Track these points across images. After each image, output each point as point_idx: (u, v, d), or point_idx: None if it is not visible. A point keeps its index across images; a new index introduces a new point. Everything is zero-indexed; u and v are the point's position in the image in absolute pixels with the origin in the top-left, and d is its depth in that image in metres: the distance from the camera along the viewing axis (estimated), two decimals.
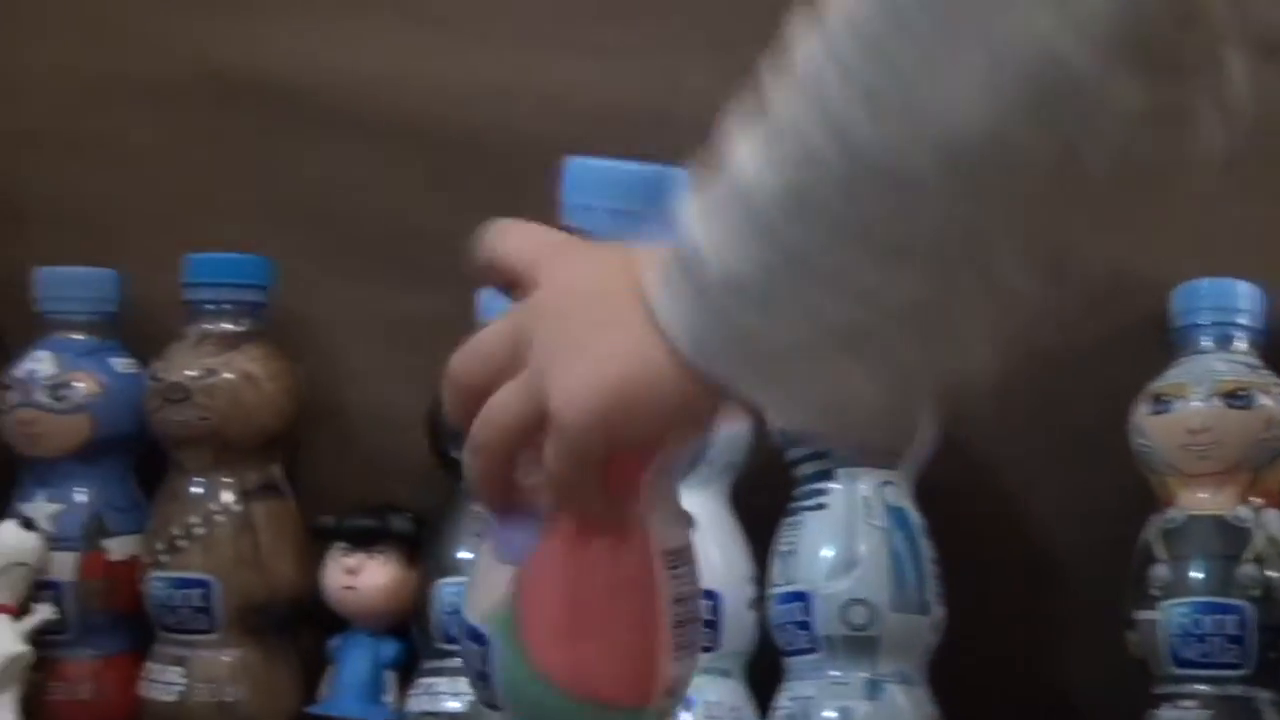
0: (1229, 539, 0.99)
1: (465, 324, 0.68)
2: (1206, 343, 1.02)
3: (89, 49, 1.22)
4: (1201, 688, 0.98)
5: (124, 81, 1.21)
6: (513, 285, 0.69)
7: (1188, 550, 0.99)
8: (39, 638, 1.08)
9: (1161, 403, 1.01)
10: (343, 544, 1.10)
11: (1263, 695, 0.98)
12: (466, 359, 0.67)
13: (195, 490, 1.10)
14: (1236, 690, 0.97)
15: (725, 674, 1.02)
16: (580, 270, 0.68)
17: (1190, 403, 1.00)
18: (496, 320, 0.68)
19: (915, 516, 1.01)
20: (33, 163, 1.22)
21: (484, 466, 0.67)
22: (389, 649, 1.09)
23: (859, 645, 0.99)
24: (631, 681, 0.73)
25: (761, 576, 1.03)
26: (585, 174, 0.81)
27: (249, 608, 1.09)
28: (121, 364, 1.14)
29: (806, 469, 1.03)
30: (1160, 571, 0.99)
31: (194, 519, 1.09)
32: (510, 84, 1.14)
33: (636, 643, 0.72)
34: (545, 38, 1.15)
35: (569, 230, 0.75)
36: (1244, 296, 1.03)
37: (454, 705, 1.04)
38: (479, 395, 0.67)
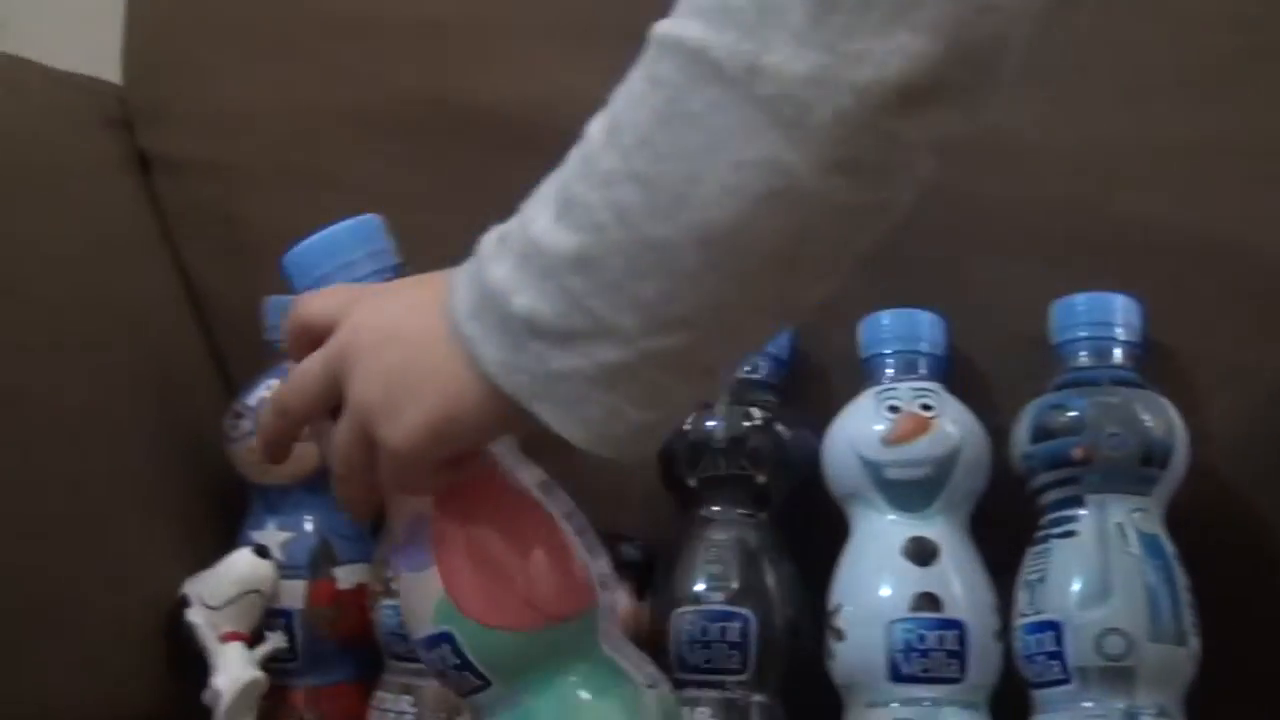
0: None
1: None
2: None
3: (309, 83, 1.24)
4: None
5: (345, 113, 1.22)
6: (321, 341, 0.81)
7: None
8: (269, 665, 1.08)
9: None
10: None
11: None
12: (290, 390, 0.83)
13: None
14: None
15: (973, 707, 0.99)
16: (385, 307, 0.80)
17: None
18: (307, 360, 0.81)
19: (1168, 544, 0.98)
20: (257, 195, 1.23)
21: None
22: None
23: (1115, 676, 0.96)
24: (570, 590, 0.81)
25: (1004, 607, 1.01)
26: (299, 257, 0.90)
27: None
28: None
29: (1052, 496, 1.01)
30: None
31: None
32: None
33: (555, 557, 0.81)
34: None
35: None
36: None
37: None
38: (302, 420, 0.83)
